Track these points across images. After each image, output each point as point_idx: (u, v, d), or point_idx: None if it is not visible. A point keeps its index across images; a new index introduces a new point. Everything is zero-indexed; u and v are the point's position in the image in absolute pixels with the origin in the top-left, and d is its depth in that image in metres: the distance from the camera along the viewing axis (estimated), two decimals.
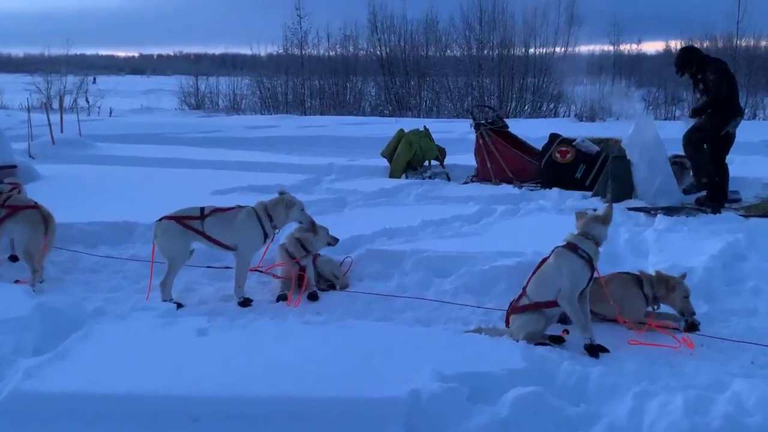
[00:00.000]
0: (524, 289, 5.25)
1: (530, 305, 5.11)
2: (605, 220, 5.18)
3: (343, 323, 5.27)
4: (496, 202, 9.61)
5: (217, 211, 6.20)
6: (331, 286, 6.53)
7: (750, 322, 5.38)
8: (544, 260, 5.26)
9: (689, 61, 9.38)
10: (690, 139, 9.23)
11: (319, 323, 5.39)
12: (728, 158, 9.46)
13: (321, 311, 5.81)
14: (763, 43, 33.24)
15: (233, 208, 6.28)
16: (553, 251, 5.22)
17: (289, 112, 32.96)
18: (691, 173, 9.48)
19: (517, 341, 4.92)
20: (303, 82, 35.52)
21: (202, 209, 6.18)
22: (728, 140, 9.27)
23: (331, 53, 36.96)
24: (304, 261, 6.41)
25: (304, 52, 36.53)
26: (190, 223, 6.08)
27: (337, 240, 6.61)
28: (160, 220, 6.15)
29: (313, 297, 6.20)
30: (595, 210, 5.67)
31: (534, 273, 5.27)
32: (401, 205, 9.81)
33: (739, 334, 5.11)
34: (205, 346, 4.73)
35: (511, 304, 5.36)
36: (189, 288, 6.46)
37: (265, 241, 6.30)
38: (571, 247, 5.10)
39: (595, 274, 5.11)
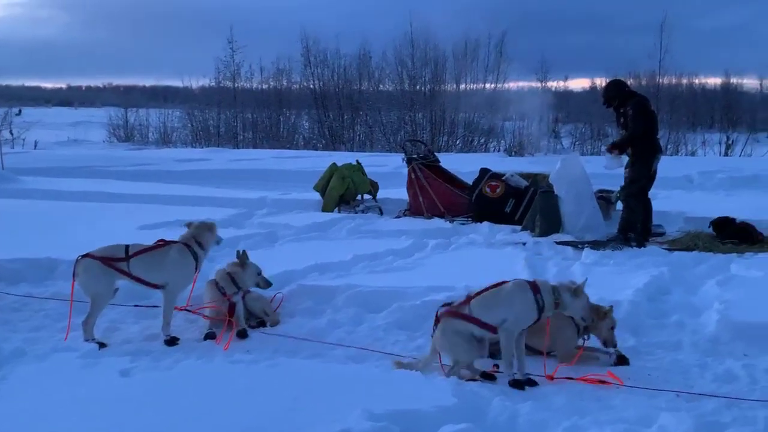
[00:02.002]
0: (468, 298, 5.19)
1: (469, 317, 5.05)
2: (576, 292, 5.08)
3: (273, 362, 5.18)
4: (428, 236, 9.65)
5: (143, 251, 6.04)
6: (261, 324, 6.41)
7: (675, 355, 5.48)
8: (501, 283, 5.20)
9: (614, 92, 9.57)
10: (630, 193, 9.33)
11: (248, 362, 5.26)
12: (652, 193, 9.72)
13: (250, 349, 5.69)
14: (684, 81, 34.70)
15: (159, 244, 6.13)
16: (514, 280, 5.21)
17: (221, 145, 32.68)
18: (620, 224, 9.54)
19: (440, 355, 5.06)
20: (235, 115, 35.34)
21: (127, 248, 6.01)
22: (652, 178, 9.51)
23: (264, 86, 36.93)
24: (234, 297, 6.29)
25: (236, 85, 36.42)
26: (115, 264, 5.91)
27: (269, 283, 6.50)
28: (82, 257, 5.95)
29: (242, 335, 6.07)
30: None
31: (485, 290, 5.19)
32: (334, 240, 9.76)
33: (664, 368, 5.21)
34: (128, 388, 4.59)
35: (446, 305, 5.37)
36: (113, 327, 6.25)
37: (195, 270, 6.18)
38: (533, 286, 5.07)
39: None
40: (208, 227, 6.33)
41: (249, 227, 10.34)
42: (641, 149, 9.25)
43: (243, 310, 6.35)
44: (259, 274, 6.44)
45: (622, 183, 9.47)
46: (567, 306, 5.05)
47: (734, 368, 5.16)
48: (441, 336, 5.12)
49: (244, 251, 6.51)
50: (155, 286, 6.06)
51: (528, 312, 5.01)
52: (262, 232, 9.81)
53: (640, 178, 9.26)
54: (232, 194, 13.71)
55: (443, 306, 5.48)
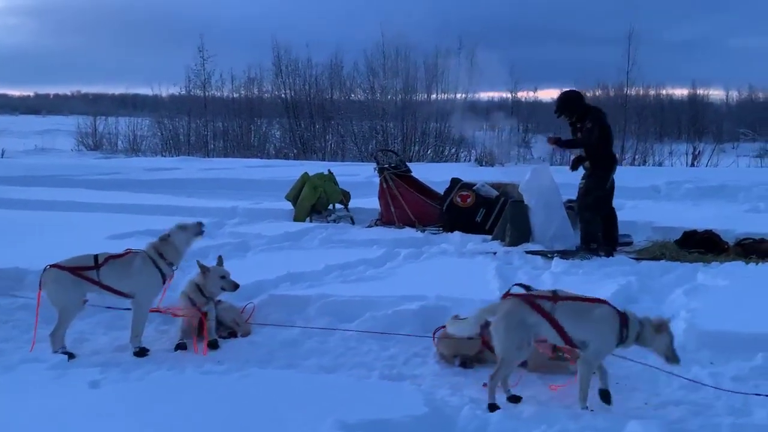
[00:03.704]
0: (556, 296, 4.80)
1: (551, 317, 4.67)
2: (660, 329, 4.76)
3: (245, 372, 5.15)
4: (400, 245, 9.68)
5: (111, 258, 5.98)
6: (233, 334, 6.38)
7: (643, 363, 5.51)
8: (595, 300, 4.92)
9: (571, 106, 9.68)
10: (586, 204, 9.45)
11: (220, 373, 5.22)
12: (618, 203, 9.84)
13: (222, 360, 5.66)
14: (651, 92, 35.22)
15: (126, 253, 6.08)
16: (608, 305, 4.87)
17: (191, 154, 32.44)
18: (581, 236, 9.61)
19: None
20: (206, 124, 35.14)
21: (96, 257, 5.95)
22: (611, 189, 9.65)
23: (235, 95, 36.77)
24: (205, 308, 6.25)
25: (207, 93, 36.23)
26: (85, 273, 5.84)
27: (235, 285, 6.35)
28: (49, 267, 5.88)
29: (213, 345, 6.04)
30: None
31: (578, 298, 4.88)
32: (306, 249, 9.75)
33: (632, 376, 5.27)
34: (98, 400, 4.54)
35: (523, 286, 5.09)
36: (82, 338, 6.18)
37: (163, 283, 6.11)
38: (622, 318, 4.73)
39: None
40: (175, 232, 6.16)
41: (220, 237, 10.27)
42: (599, 162, 9.42)
43: (215, 320, 6.31)
44: (223, 277, 6.30)
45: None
46: (648, 342, 4.76)
47: (701, 376, 5.24)
48: (504, 319, 4.67)
49: (219, 257, 6.48)
50: (125, 295, 5.99)
51: (610, 344, 4.71)
52: (234, 241, 9.76)
53: (596, 189, 9.40)
54: (202, 203, 13.61)
55: (518, 285, 5.08)
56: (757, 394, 4.88)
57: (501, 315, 4.69)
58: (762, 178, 17.25)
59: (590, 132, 9.32)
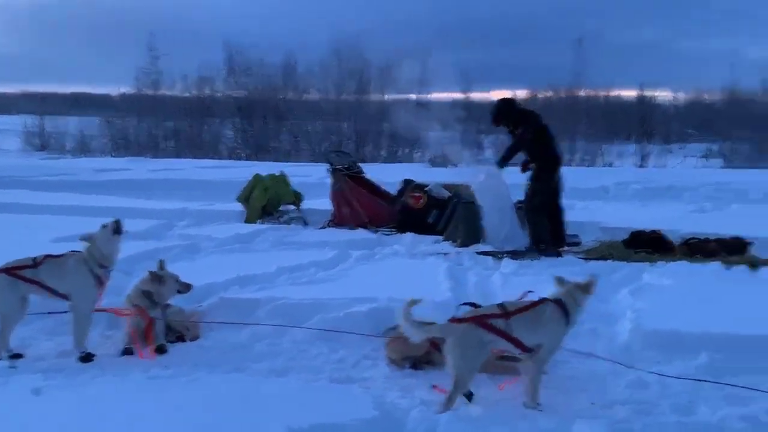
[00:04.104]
0: (506, 312, 4.78)
1: (507, 335, 4.70)
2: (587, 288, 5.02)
3: (193, 377, 5.08)
4: (352, 247, 9.67)
5: (49, 257, 5.83)
6: (180, 338, 6.29)
7: (590, 363, 5.59)
8: (539, 302, 4.96)
9: (505, 115, 9.83)
10: (533, 206, 9.58)
11: (167, 378, 5.14)
12: (569, 204, 9.97)
13: (169, 365, 5.57)
14: (601, 94, 35.79)
15: (66, 254, 5.93)
16: (549, 301, 4.95)
17: (141, 154, 31.98)
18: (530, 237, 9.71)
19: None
20: (157, 124, 34.68)
21: (35, 258, 5.80)
22: (556, 188, 9.79)
23: (187, 94, 36.35)
24: (152, 313, 6.14)
25: (158, 92, 35.75)
26: (22, 272, 5.69)
27: (189, 286, 6.32)
28: None
29: (161, 350, 5.95)
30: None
31: (525, 308, 4.88)
32: (257, 252, 9.67)
33: (579, 376, 5.33)
34: (41, 408, 4.43)
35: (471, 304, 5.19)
36: (24, 344, 6.00)
37: (100, 286, 5.90)
38: (561, 307, 4.88)
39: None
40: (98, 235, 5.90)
41: (169, 239, 10.16)
42: (542, 164, 9.60)
43: (163, 324, 6.22)
44: (177, 280, 6.25)
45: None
46: (584, 305, 5.00)
47: (646, 375, 5.31)
48: (460, 342, 4.61)
49: (161, 261, 6.35)
50: (63, 296, 5.84)
51: (562, 337, 4.87)
52: (183, 243, 9.63)
53: (542, 192, 9.56)
54: (152, 205, 13.45)
55: (467, 304, 5.14)
56: (700, 380, 5.03)
57: (456, 338, 4.63)
58: (707, 178, 17.68)
59: (521, 137, 9.53)
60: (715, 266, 8.28)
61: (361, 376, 5.38)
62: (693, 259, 8.77)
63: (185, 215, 12.24)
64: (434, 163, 23.19)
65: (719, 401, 4.84)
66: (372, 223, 11.45)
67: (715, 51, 59.85)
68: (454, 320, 4.80)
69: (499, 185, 9.89)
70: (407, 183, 11.57)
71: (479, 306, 5.12)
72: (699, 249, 9.29)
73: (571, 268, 8.39)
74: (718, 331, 5.85)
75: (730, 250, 9.17)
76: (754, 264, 8.36)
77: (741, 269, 8.18)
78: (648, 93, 38.57)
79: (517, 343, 4.70)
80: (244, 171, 16.76)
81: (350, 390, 4.87)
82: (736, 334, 5.81)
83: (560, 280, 5.09)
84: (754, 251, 9.15)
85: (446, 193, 11.37)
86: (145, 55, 35.18)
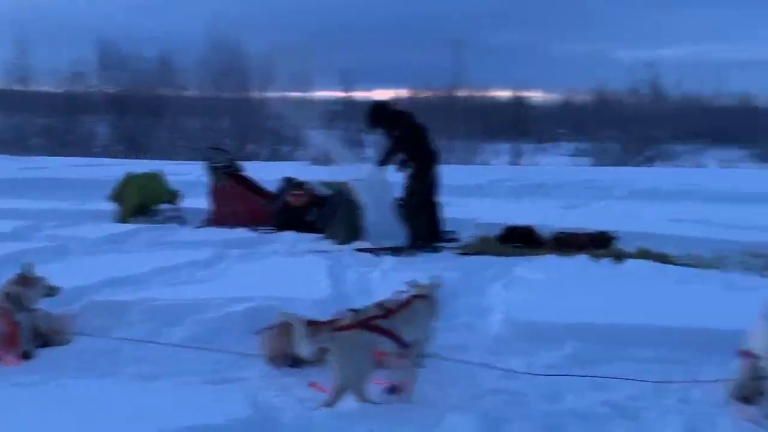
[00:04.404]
0: (389, 310, 4.86)
1: (392, 333, 4.78)
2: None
3: (60, 383, 4.86)
4: (231, 246, 9.54)
5: None
6: (46, 343, 6.02)
7: (463, 356, 5.63)
8: (411, 298, 5.04)
9: (378, 118, 10.10)
10: (411, 204, 9.86)
11: (32, 384, 4.92)
12: (447, 201, 10.23)
13: (35, 370, 5.32)
14: (478, 95, 36.82)
15: None
16: (415, 294, 5.09)
17: (9, 152, 30.29)
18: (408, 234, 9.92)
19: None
20: (27, 120, 32.96)
21: None
22: (431, 185, 10.03)
23: (58, 90, 34.74)
24: (18, 316, 5.85)
25: (28, 88, 34.00)
26: None
27: (56, 289, 6.08)
28: None
29: (26, 356, 5.68)
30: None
31: (401, 306, 4.93)
32: (130, 252, 9.40)
33: (452, 372, 5.41)
34: None
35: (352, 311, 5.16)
36: None
37: None
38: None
39: None
40: None
41: (37, 240, 9.72)
42: (420, 163, 9.89)
43: (29, 329, 5.93)
44: (45, 283, 6.00)
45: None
46: None
47: (516, 366, 5.47)
48: (348, 350, 4.57)
49: (29, 264, 6.07)
50: None
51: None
52: (51, 245, 9.23)
53: (419, 191, 9.84)
54: (18, 205, 12.82)
55: (349, 311, 5.19)
56: (564, 375, 5.22)
57: (341, 345, 4.59)
58: (577, 176, 18.51)
59: (399, 138, 9.82)
60: (582, 259, 8.69)
61: (236, 376, 5.30)
62: (562, 253, 9.12)
63: (54, 215, 11.72)
64: (316, 161, 23.15)
65: (585, 389, 5.05)
66: (251, 221, 11.32)
67: (585, 53, 62.50)
68: (341, 327, 4.81)
69: (382, 182, 10.03)
70: (288, 181, 11.52)
71: (357, 310, 5.16)
72: (568, 243, 9.70)
73: (447, 263, 8.63)
74: (584, 321, 6.12)
75: (597, 243, 9.65)
76: (619, 257, 8.83)
77: (606, 262, 8.62)
78: (522, 94, 40.03)
79: (399, 341, 4.78)
80: (118, 169, 16.13)
81: (224, 390, 4.81)
82: (601, 323, 6.08)
83: (414, 284, 5.24)
84: (618, 245, 9.67)
85: (327, 191, 11.39)
86: (13, 48, 33.37)
